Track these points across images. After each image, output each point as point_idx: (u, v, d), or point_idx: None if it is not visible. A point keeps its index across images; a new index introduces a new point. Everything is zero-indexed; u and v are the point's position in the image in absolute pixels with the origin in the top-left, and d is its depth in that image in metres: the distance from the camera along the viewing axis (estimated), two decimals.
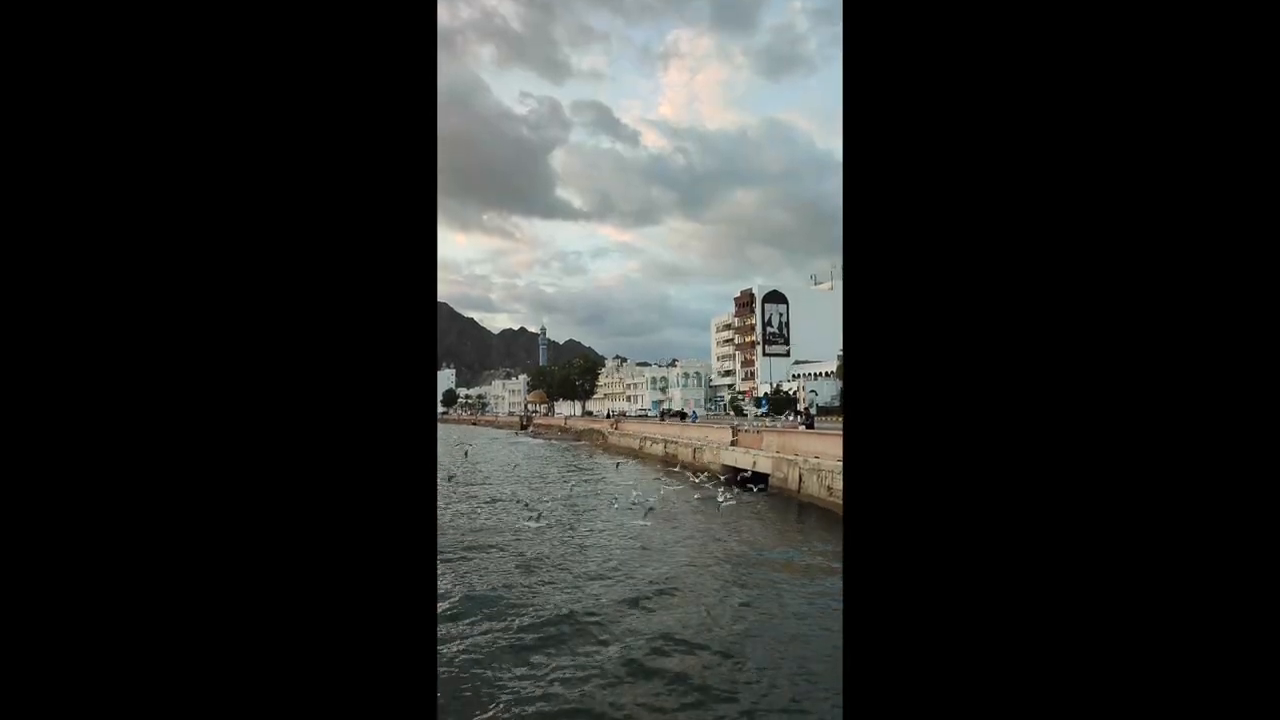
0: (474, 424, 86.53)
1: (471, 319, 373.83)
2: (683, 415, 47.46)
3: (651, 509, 14.99)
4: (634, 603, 8.70)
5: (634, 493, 17.69)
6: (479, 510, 16.45)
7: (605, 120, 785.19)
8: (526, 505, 16.32)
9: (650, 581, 9.63)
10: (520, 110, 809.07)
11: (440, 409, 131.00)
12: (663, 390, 76.68)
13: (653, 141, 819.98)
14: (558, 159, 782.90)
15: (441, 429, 76.53)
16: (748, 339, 70.76)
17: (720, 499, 15.85)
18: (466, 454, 32.27)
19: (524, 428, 69.12)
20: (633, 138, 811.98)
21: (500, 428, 76.01)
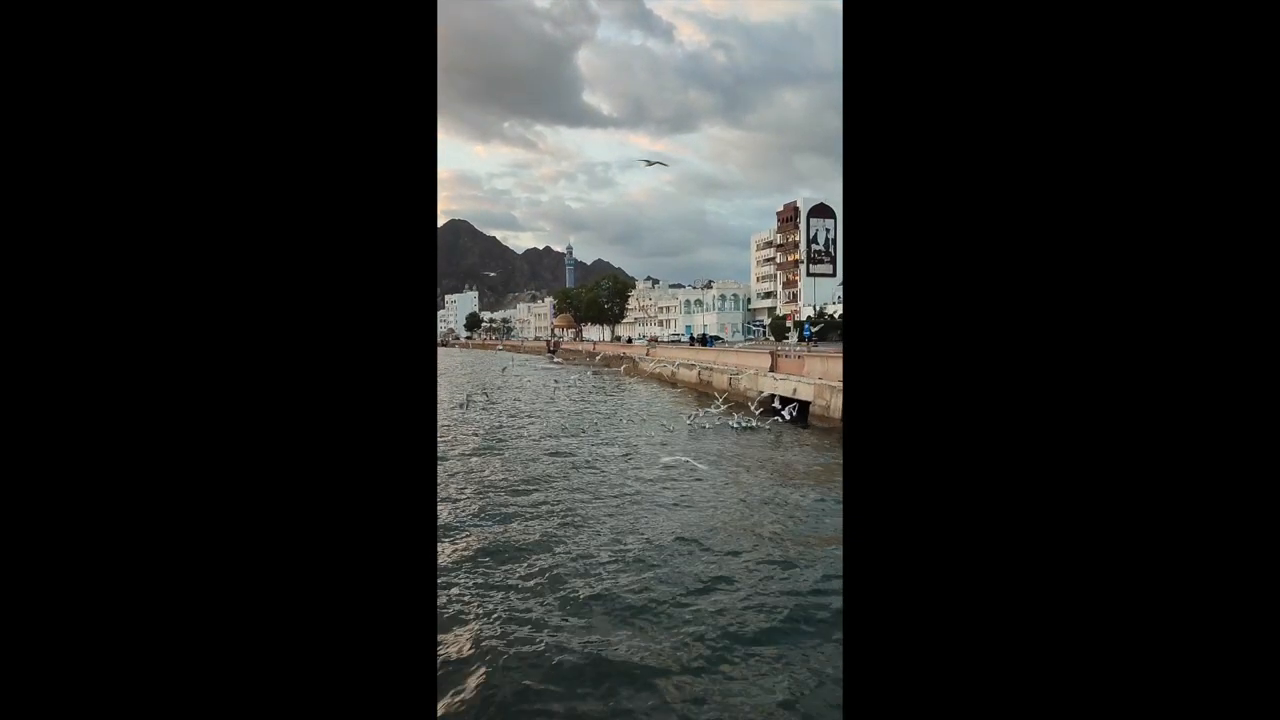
0: (498, 349, 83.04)
1: (494, 238, 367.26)
2: (704, 340, 45.65)
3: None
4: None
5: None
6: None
7: (636, 12, 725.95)
8: None
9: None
10: (542, 3, 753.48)
11: (464, 334, 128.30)
12: (698, 313, 71.88)
13: (690, 36, 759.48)
14: (584, 59, 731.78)
15: (462, 355, 73.40)
16: (791, 257, 64.76)
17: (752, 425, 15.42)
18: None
19: (551, 353, 65.29)
20: (667, 32, 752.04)
21: (527, 353, 72.55)
